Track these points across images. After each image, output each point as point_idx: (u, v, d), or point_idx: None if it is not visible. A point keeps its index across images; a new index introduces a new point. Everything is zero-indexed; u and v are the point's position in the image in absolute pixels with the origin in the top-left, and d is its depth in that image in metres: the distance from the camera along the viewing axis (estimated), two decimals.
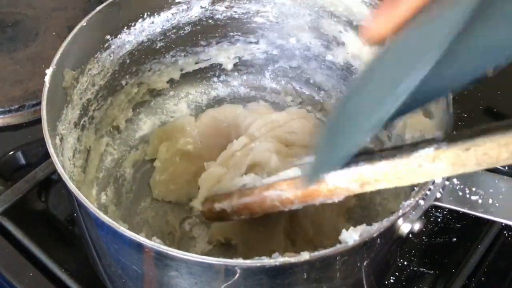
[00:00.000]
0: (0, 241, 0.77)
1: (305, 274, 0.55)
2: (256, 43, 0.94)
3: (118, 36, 0.81)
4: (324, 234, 0.77)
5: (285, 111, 0.92)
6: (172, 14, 0.85)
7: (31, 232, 0.78)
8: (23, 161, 0.89)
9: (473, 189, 0.60)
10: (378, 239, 0.57)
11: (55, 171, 0.65)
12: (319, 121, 0.92)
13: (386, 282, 0.78)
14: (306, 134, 0.87)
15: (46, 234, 0.83)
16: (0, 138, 0.92)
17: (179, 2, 0.84)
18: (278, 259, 0.52)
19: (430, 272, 0.80)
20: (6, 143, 0.90)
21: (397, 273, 0.80)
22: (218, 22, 0.89)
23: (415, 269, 0.80)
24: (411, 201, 0.56)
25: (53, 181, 0.85)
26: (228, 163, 0.84)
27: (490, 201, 0.59)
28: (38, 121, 0.71)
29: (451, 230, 0.84)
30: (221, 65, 0.96)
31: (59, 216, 0.85)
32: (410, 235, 0.60)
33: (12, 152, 0.89)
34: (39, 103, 0.73)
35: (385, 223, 0.55)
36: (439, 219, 0.85)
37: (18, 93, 0.95)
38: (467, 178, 0.60)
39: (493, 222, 0.81)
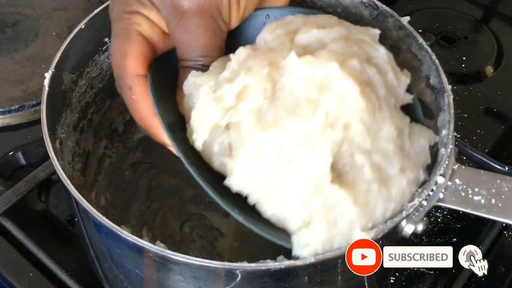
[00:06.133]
0: (0, 241, 0.77)
1: (309, 276, 0.55)
2: None
3: None
4: None
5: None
6: None
7: (31, 233, 0.78)
8: (23, 161, 0.89)
9: (476, 189, 0.60)
10: (381, 241, 0.57)
11: (55, 171, 0.65)
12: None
13: (386, 283, 0.79)
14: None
15: (46, 234, 0.83)
16: (0, 138, 0.92)
17: None
18: (283, 262, 0.51)
19: (430, 272, 0.80)
20: (6, 143, 0.90)
21: (397, 273, 0.80)
22: None
23: (415, 269, 0.80)
24: (415, 202, 0.56)
25: (53, 181, 0.85)
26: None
27: (493, 201, 0.59)
28: (38, 121, 0.71)
29: (451, 230, 0.84)
30: None
31: (59, 216, 0.85)
32: (412, 236, 0.60)
33: (12, 152, 0.89)
34: (39, 103, 0.73)
35: (388, 224, 0.55)
36: (439, 220, 0.85)
37: (18, 93, 0.95)
38: (469, 179, 0.60)
39: (494, 222, 0.82)
